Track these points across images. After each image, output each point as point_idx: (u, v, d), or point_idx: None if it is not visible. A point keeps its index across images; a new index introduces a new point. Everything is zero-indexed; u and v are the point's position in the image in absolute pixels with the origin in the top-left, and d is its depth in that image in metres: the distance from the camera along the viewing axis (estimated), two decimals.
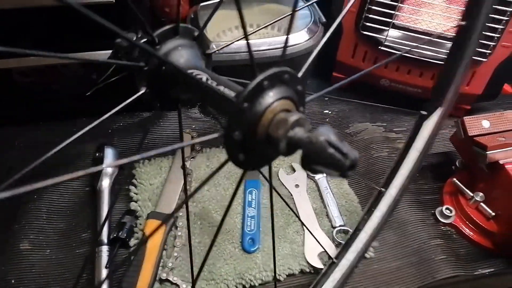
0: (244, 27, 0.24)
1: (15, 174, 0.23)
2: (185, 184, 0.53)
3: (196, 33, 0.31)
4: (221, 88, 0.27)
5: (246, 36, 0.24)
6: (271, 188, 0.35)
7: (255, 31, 0.41)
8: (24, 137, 0.67)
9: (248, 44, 0.25)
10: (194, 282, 0.48)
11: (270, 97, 0.24)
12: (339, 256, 0.50)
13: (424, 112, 0.49)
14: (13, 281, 0.50)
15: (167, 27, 0.29)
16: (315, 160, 0.22)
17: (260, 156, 0.27)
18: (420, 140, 0.49)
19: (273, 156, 0.28)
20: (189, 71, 0.28)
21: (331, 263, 0.50)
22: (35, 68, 0.63)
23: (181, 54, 0.29)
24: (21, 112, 0.70)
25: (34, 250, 0.54)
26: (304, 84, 0.26)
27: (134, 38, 0.28)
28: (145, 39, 0.28)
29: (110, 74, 0.38)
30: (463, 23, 0.43)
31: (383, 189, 0.51)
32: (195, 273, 0.45)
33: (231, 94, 0.26)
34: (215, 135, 0.26)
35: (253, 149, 0.25)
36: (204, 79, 0.28)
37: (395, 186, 0.50)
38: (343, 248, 0.51)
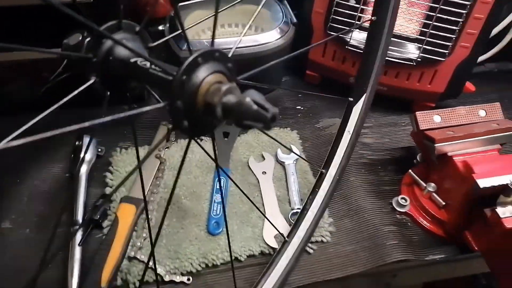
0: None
1: None
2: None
3: (137, 28, 0.35)
4: (160, 73, 0.31)
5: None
6: (217, 165, 0.38)
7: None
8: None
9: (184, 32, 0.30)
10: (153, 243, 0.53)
11: (205, 71, 0.29)
12: (290, 234, 0.54)
13: (351, 99, 0.61)
14: None
15: (110, 22, 0.33)
16: (245, 117, 0.26)
17: (202, 124, 0.32)
18: (351, 123, 0.61)
19: (214, 123, 0.33)
20: (133, 59, 0.32)
21: (284, 242, 0.54)
22: (18, 62, 0.67)
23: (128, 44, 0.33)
24: None
25: (14, 229, 0.58)
26: (233, 62, 0.31)
27: (80, 38, 0.33)
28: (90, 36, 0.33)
29: (61, 71, 0.43)
30: (374, 18, 0.55)
31: (323, 170, 0.60)
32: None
33: (173, 72, 0.30)
34: (160, 105, 0.30)
35: (195, 117, 0.30)
36: (147, 65, 0.32)
37: (334, 166, 0.60)
38: (293, 227, 0.56)
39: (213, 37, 0.35)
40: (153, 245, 0.39)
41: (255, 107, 0.26)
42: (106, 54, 0.33)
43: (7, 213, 0.59)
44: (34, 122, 0.28)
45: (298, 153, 0.70)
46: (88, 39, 0.34)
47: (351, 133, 0.60)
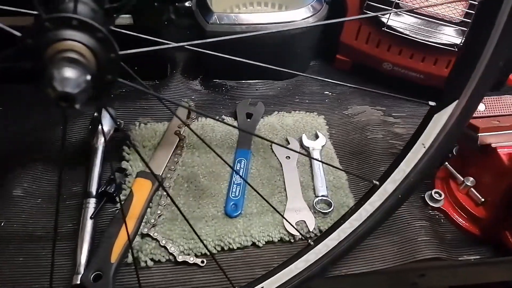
0: None
1: None
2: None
3: None
4: None
5: None
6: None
7: None
8: (27, 95, 0.70)
9: None
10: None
11: (53, 36, 0.26)
12: (318, 240, 0.48)
13: (432, 103, 0.43)
14: (2, 223, 0.53)
15: None
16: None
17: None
18: (427, 135, 0.43)
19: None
20: None
21: (308, 245, 0.48)
22: None
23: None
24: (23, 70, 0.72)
25: (26, 197, 0.56)
26: (104, 31, 0.27)
27: None
28: None
29: None
30: None
31: (377, 183, 0.46)
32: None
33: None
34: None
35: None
36: None
37: (392, 182, 0.45)
38: (323, 234, 0.49)
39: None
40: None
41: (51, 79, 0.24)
42: None
43: (20, 181, 0.57)
44: None
45: (325, 139, 0.66)
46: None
47: (425, 147, 0.44)
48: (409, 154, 0.45)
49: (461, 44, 0.65)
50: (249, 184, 0.52)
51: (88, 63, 0.27)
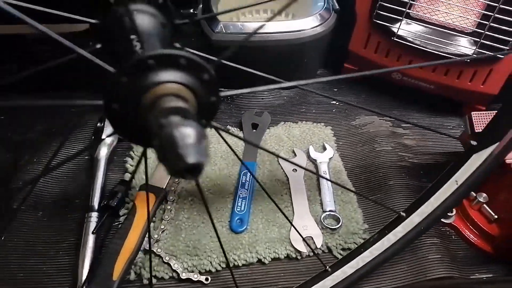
0: None
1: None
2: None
3: (160, 1, 0.29)
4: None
5: None
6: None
7: None
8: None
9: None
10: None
11: (155, 78, 0.23)
12: (336, 266, 0.47)
13: (474, 143, 0.43)
14: (3, 237, 0.52)
15: None
16: (162, 149, 0.20)
17: (145, 133, 0.24)
18: (463, 173, 0.43)
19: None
20: (132, 36, 0.27)
21: (324, 271, 0.47)
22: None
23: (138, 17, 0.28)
24: (31, 79, 0.71)
25: (27, 210, 0.55)
26: (212, 73, 0.24)
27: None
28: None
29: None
30: None
31: (403, 214, 0.46)
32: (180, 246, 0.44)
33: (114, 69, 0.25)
34: (98, 102, 0.24)
35: (135, 125, 0.24)
36: (138, 47, 0.26)
37: (419, 214, 0.45)
38: (341, 260, 0.47)
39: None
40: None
41: (174, 145, 0.19)
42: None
43: (21, 194, 0.56)
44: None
45: (333, 151, 0.65)
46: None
47: (458, 184, 0.43)
48: (440, 190, 0.44)
49: (474, 54, 0.63)
50: (263, 189, 0.50)
51: (192, 110, 0.23)
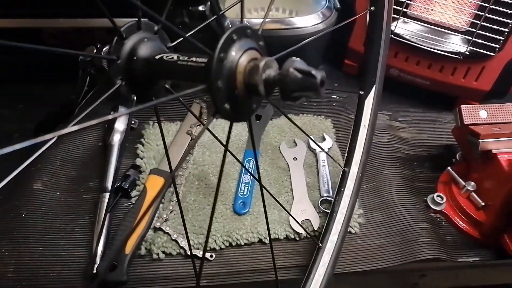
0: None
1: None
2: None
3: (156, 28, 0.33)
4: (194, 58, 0.29)
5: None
6: (225, 150, 0.35)
7: None
8: (46, 94, 0.73)
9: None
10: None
11: (240, 49, 0.27)
12: (323, 239, 0.52)
13: (361, 92, 0.58)
14: (23, 214, 0.56)
15: (130, 22, 0.31)
16: (292, 89, 0.25)
17: (244, 107, 0.30)
18: (365, 117, 0.58)
19: (256, 105, 0.31)
20: (158, 56, 0.30)
21: (318, 247, 0.51)
22: (63, 30, 0.69)
23: (146, 45, 0.32)
24: (46, 71, 0.75)
25: (45, 191, 0.59)
26: (263, 39, 0.30)
27: (95, 51, 0.31)
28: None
29: (87, 89, 0.42)
30: (372, 8, 0.54)
31: (346, 169, 0.57)
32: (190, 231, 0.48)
33: (202, 59, 0.29)
34: (201, 87, 0.28)
35: (236, 98, 0.28)
36: (175, 58, 0.30)
37: (355, 164, 0.57)
38: (324, 231, 0.53)
39: (242, 15, 0.34)
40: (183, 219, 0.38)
41: (299, 75, 0.24)
42: (129, 54, 0.31)
43: (40, 175, 0.60)
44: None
45: (331, 142, 0.68)
46: (105, 47, 0.32)
47: (367, 127, 0.58)
48: (358, 137, 0.58)
49: (467, 52, 0.67)
50: (261, 185, 0.54)
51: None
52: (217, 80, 0.27)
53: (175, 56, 0.30)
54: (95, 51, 0.34)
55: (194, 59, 0.29)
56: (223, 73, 0.27)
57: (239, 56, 0.27)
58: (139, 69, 0.31)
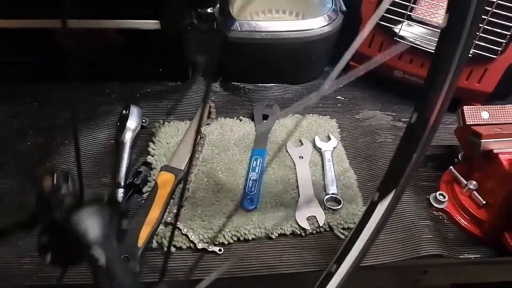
0: None
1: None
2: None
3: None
4: None
5: None
6: None
7: None
8: (59, 93, 0.75)
9: None
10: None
11: None
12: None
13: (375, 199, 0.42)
14: None
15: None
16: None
17: None
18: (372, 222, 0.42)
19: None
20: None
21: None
22: (76, 31, 0.71)
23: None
24: (58, 70, 0.77)
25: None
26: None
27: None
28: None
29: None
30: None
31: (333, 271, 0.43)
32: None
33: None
34: None
35: None
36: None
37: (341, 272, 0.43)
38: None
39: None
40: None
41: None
42: None
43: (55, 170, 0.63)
44: None
45: (337, 141, 0.70)
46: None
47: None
48: (358, 239, 0.43)
49: (469, 54, 0.68)
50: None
51: None
52: None
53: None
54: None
55: None
56: None
57: None
58: None
